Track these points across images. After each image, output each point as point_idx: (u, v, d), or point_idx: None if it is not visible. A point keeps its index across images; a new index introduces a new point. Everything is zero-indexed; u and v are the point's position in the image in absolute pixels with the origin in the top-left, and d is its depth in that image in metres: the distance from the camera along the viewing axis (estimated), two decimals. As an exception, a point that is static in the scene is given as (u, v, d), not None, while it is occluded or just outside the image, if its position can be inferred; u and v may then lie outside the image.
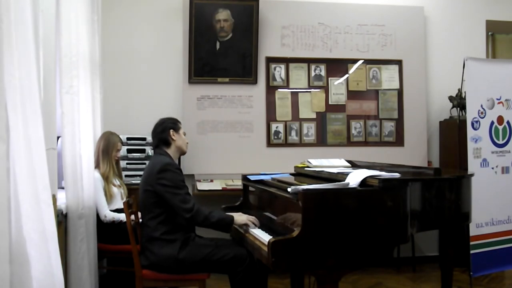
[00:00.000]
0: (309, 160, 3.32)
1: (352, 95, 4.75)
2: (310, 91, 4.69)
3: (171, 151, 2.90)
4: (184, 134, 2.99)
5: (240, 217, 2.75)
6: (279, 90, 4.64)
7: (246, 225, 2.72)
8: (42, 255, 1.97)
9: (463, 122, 4.01)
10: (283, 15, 4.63)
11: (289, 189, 2.30)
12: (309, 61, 4.68)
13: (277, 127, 4.62)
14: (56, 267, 2.03)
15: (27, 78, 1.94)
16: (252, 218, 2.75)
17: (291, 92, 4.66)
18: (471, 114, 3.79)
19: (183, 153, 2.99)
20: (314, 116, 4.68)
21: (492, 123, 3.89)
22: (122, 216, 3.27)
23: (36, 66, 2.01)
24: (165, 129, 2.89)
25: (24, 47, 1.93)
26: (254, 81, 4.57)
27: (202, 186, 4.18)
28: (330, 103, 4.71)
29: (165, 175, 2.70)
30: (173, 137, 2.89)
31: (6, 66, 1.79)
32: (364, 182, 2.35)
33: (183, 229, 2.75)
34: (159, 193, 2.71)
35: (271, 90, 4.63)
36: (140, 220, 3.13)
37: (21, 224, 1.88)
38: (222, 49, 4.48)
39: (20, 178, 1.88)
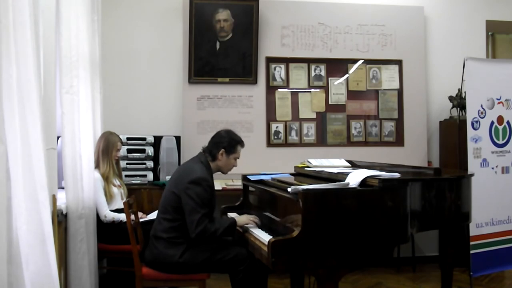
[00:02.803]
0: (309, 160, 3.32)
1: (352, 95, 4.74)
2: (310, 91, 4.68)
3: (213, 164, 2.87)
4: (236, 158, 2.91)
5: (241, 218, 2.78)
6: (279, 90, 4.64)
7: (247, 224, 2.74)
8: (39, 256, 1.97)
9: (463, 122, 4.00)
10: (283, 15, 4.63)
11: (289, 189, 2.30)
12: (309, 61, 4.68)
13: (277, 127, 4.62)
14: (53, 268, 2.03)
15: (25, 78, 1.94)
16: (252, 217, 2.78)
17: (291, 92, 4.66)
18: (471, 114, 3.79)
19: (222, 172, 2.94)
20: (314, 116, 4.68)
21: (492, 123, 3.88)
22: (122, 216, 3.27)
23: (35, 66, 2.01)
24: (219, 145, 2.85)
25: (23, 47, 1.93)
26: (254, 81, 4.57)
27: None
28: (330, 103, 4.70)
29: (195, 189, 2.67)
30: (219, 156, 2.85)
31: (4, 66, 1.79)
32: (364, 182, 2.35)
33: (190, 238, 2.72)
34: (182, 202, 2.69)
35: (271, 90, 4.63)
36: (146, 218, 3.14)
37: (19, 224, 1.88)
38: (222, 49, 4.48)
39: (18, 179, 1.87)
